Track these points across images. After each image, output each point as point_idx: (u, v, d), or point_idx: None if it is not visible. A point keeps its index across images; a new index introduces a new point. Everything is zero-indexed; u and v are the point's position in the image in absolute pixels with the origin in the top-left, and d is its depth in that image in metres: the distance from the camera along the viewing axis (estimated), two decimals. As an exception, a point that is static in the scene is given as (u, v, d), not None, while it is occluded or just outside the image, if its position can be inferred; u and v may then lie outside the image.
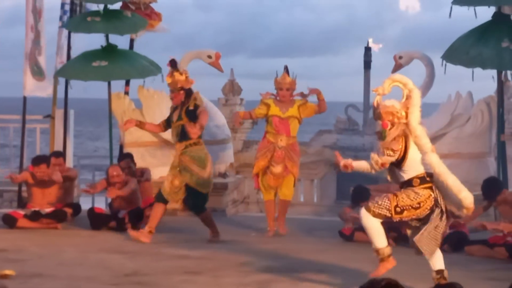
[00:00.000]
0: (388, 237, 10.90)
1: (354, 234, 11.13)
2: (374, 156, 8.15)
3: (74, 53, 14.02)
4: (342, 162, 8.28)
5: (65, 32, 14.05)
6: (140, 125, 11.53)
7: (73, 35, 14.01)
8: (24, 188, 12.63)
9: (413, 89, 8.23)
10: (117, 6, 13.43)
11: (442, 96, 13.30)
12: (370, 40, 17.71)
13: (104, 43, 13.48)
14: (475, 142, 12.74)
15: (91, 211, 12.12)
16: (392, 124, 8.05)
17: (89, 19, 13.32)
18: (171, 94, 10.85)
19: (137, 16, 13.60)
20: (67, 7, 14.24)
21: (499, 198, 10.67)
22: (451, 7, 12.19)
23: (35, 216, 11.47)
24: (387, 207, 8.10)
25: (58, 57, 14.19)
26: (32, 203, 11.72)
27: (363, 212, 8.17)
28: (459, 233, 10.67)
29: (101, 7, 13.34)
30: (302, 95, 11.30)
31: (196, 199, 10.80)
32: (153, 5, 14.19)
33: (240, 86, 15.35)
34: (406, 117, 8.09)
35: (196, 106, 10.63)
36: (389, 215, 8.17)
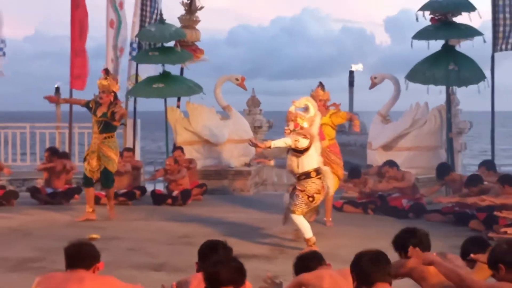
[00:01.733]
0: (368, 208, 10.93)
1: (343, 206, 11.10)
2: (293, 135, 7.98)
3: (141, 78, 14.04)
4: (261, 145, 8.04)
5: (133, 63, 14.06)
6: (65, 101, 11.38)
7: (139, 65, 14.01)
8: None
9: (317, 114, 8.31)
10: (170, 43, 13.42)
11: (406, 105, 13.23)
12: (353, 66, 17.65)
13: (161, 71, 13.47)
14: (431, 139, 12.65)
15: (153, 192, 12.09)
16: (301, 128, 8.00)
17: (150, 53, 13.27)
18: (102, 94, 9.97)
19: (185, 51, 13.55)
20: (135, 45, 14.25)
21: (447, 178, 10.71)
22: (412, 41, 12.12)
23: (113, 195, 11.47)
24: (304, 202, 8.00)
25: (129, 81, 14.21)
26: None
27: (293, 215, 8.02)
28: (420, 204, 10.61)
29: (158, 45, 13.35)
30: (336, 105, 10.14)
31: (109, 177, 10.24)
32: (197, 42, 14.20)
33: (259, 100, 15.28)
34: (309, 128, 8.08)
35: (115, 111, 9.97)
36: (308, 206, 8.08)
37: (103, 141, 10.06)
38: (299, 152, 7.98)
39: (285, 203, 8.52)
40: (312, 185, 7.99)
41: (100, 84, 10.03)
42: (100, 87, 10.03)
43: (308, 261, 4.78)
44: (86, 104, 10.28)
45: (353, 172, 11.37)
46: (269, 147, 7.92)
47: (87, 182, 10.19)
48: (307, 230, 8.05)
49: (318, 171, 8.05)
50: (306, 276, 4.62)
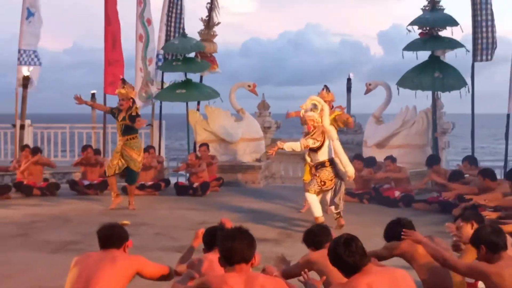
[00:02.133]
0: (364, 198, 10.90)
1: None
2: (302, 140, 8.42)
3: (166, 84, 14.06)
4: (276, 146, 8.42)
5: (159, 72, 14.08)
6: (92, 105, 11.22)
7: (164, 73, 14.04)
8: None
9: (324, 105, 8.49)
10: (192, 54, 13.43)
11: (397, 109, 13.22)
12: (350, 74, 17.59)
13: (183, 78, 13.48)
14: (418, 138, 12.61)
15: (176, 183, 12.14)
16: (314, 127, 8.37)
17: (174, 63, 13.30)
18: (122, 101, 9.90)
19: (204, 61, 13.56)
20: (161, 56, 14.28)
21: (435, 167, 10.73)
22: (402, 52, 12.10)
23: (142, 187, 11.50)
24: (317, 184, 8.39)
25: (156, 87, 14.22)
26: (138, 179, 11.71)
27: (307, 193, 8.49)
28: (409, 195, 10.58)
29: (181, 56, 13.36)
30: (341, 108, 10.12)
31: (132, 175, 10.19)
32: (214, 54, 14.21)
33: (268, 104, 15.26)
34: (322, 121, 8.33)
35: (137, 115, 9.89)
36: (319, 188, 8.42)
37: (126, 143, 10.03)
38: (314, 150, 8.37)
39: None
40: (326, 172, 8.37)
41: (119, 92, 10.00)
42: (119, 96, 9.99)
43: (317, 235, 4.71)
44: (111, 111, 10.27)
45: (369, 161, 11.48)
46: (282, 148, 8.45)
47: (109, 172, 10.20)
48: (316, 210, 8.39)
49: (331, 161, 8.38)
50: (314, 255, 4.56)
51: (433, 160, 10.88)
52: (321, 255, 4.46)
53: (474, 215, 5.06)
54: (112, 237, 4.32)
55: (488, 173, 8.99)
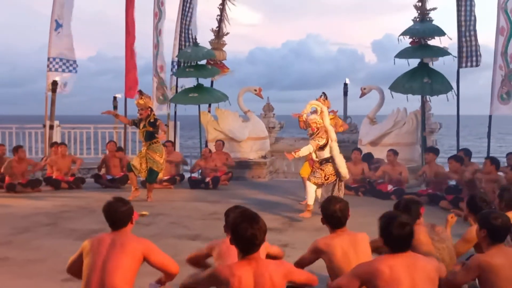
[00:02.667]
0: (359, 191, 10.88)
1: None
2: (312, 142, 8.45)
3: (179, 88, 14.08)
4: (291, 155, 8.37)
5: (174, 77, 14.10)
6: (116, 116, 10.98)
7: (179, 79, 14.05)
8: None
9: (323, 107, 8.55)
10: (203, 62, 13.42)
11: (389, 110, 13.16)
12: (346, 79, 17.53)
13: (195, 83, 13.47)
14: (409, 137, 12.57)
15: (190, 178, 12.11)
16: (317, 128, 8.42)
17: (187, 70, 13.31)
18: (141, 111, 9.93)
19: (214, 68, 13.56)
20: (175, 63, 14.29)
21: (427, 158, 10.71)
22: (394, 59, 12.05)
23: (159, 181, 11.52)
24: (321, 177, 8.44)
25: (171, 91, 14.24)
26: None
27: (309, 182, 8.54)
28: (401, 189, 10.55)
29: (193, 63, 13.36)
30: (334, 112, 10.01)
31: (153, 175, 10.18)
32: (223, 61, 14.19)
33: (273, 106, 15.24)
34: (323, 122, 8.40)
35: (155, 119, 9.96)
36: (322, 181, 8.48)
37: (149, 147, 10.06)
38: (321, 147, 8.44)
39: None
40: (330, 167, 8.44)
41: (138, 103, 9.99)
42: (138, 106, 9.99)
43: (330, 203, 4.43)
44: (133, 123, 10.35)
45: (367, 157, 11.51)
46: (299, 156, 8.50)
47: (130, 168, 10.18)
48: (311, 198, 8.50)
49: (332, 158, 8.43)
50: (320, 243, 4.31)
51: (430, 151, 10.78)
52: (327, 245, 4.27)
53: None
54: (117, 219, 4.12)
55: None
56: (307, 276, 3.73)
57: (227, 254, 4.09)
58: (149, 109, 10.03)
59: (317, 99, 9.69)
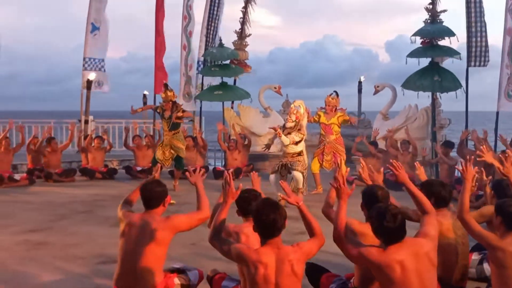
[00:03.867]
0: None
1: (354, 181, 10.98)
2: (289, 136, 8.92)
3: (205, 87, 14.16)
4: (279, 131, 8.90)
5: (200, 76, 14.18)
6: (142, 109, 10.90)
7: (204, 77, 14.13)
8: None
9: (303, 111, 9.19)
10: (227, 61, 13.47)
11: (401, 106, 13.09)
12: (361, 77, 17.45)
13: (220, 81, 13.54)
14: (420, 131, 12.52)
15: (214, 169, 12.22)
16: (297, 122, 8.98)
17: (212, 69, 13.38)
18: (164, 103, 9.91)
19: (238, 67, 13.63)
20: (201, 63, 14.36)
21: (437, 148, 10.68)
22: (406, 59, 11.98)
23: (184, 171, 11.58)
24: (301, 165, 9.00)
25: (196, 89, 14.33)
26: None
27: (297, 172, 8.95)
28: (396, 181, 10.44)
29: (218, 62, 13.41)
30: (342, 110, 10.25)
31: (181, 161, 10.28)
32: (246, 61, 14.24)
33: (291, 103, 15.27)
34: (302, 116, 9.06)
35: (183, 111, 10.08)
36: (303, 169, 9.01)
37: (173, 136, 10.09)
38: (296, 143, 8.99)
39: (271, 182, 9.17)
40: (303, 158, 9.07)
41: (166, 96, 9.99)
42: (163, 98, 10.04)
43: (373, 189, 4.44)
44: (155, 109, 10.40)
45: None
46: (279, 137, 8.91)
47: (154, 162, 10.18)
48: (300, 182, 8.97)
49: (302, 152, 9.11)
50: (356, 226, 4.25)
51: (447, 145, 10.65)
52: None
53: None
54: (152, 198, 4.21)
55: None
56: (318, 247, 3.72)
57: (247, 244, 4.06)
58: (171, 102, 9.96)
59: (325, 99, 10.27)
